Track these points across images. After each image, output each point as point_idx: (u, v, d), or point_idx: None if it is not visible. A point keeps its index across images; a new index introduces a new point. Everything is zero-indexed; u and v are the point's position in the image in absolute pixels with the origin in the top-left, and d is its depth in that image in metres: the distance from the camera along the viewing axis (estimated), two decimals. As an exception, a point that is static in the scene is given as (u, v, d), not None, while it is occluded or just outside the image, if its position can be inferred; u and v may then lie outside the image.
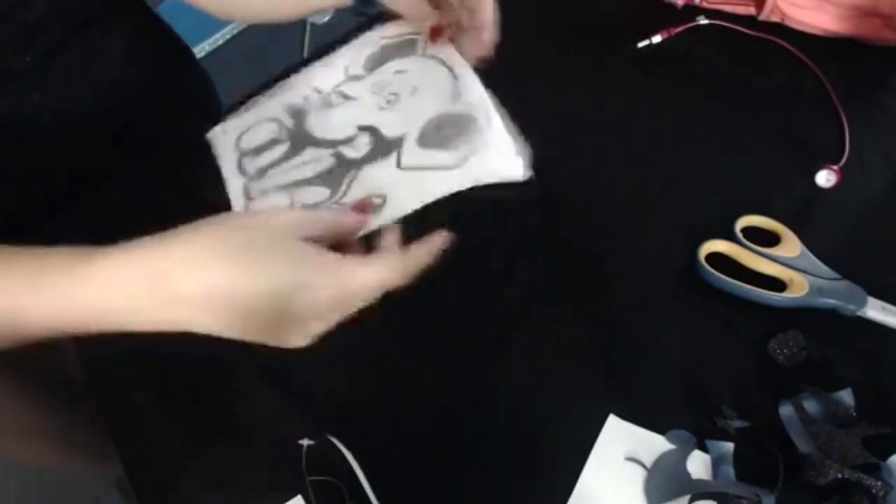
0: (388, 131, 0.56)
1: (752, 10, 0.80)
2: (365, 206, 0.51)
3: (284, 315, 0.42)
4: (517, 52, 0.79)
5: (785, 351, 0.53)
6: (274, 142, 0.58)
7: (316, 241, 0.44)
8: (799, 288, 0.56)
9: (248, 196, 0.56)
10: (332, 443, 0.48)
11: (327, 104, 0.59)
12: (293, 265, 0.42)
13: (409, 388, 0.54)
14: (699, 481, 0.48)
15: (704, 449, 0.49)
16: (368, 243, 0.48)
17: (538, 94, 0.74)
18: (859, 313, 0.55)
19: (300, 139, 0.58)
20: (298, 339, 0.43)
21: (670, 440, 0.49)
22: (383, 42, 0.61)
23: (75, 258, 0.41)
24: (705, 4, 0.81)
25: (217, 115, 0.65)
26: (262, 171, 0.57)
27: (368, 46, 0.62)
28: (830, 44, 0.77)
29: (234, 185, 0.57)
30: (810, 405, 0.50)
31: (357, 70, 0.61)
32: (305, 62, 0.64)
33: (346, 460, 0.47)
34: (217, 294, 0.41)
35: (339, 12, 0.63)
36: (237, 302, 0.41)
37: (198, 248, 0.41)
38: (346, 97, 0.59)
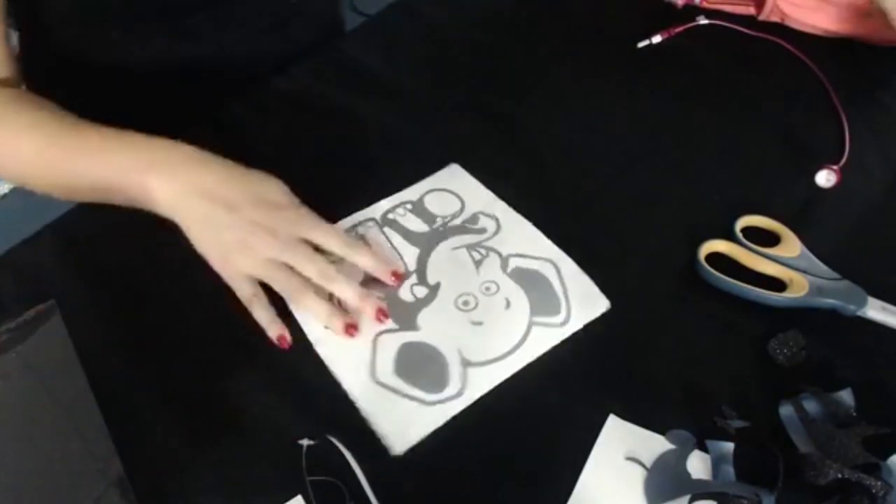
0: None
1: (752, 10, 0.80)
2: (398, 275, 0.57)
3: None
4: (517, 53, 0.79)
5: (785, 351, 0.53)
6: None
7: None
8: (799, 288, 0.56)
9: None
10: (332, 443, 0.48)
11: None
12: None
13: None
14: (699, 481, 0.48)
15: (704, 449, 0.49)
16: None
17: (538, 94, 0.74)
18: (859, 313, 0.55)
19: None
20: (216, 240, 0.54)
21: (670, 440, 0.49)
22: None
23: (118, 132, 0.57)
24: (705, 4, 0.81)
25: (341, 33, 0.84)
26: None
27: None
28: (830, 44, 0.78)
29: None
30: (810, 405, 0.50)
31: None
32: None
33: (346, 460, 0.47)
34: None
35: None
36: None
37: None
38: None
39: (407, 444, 0.49)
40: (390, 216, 0.62)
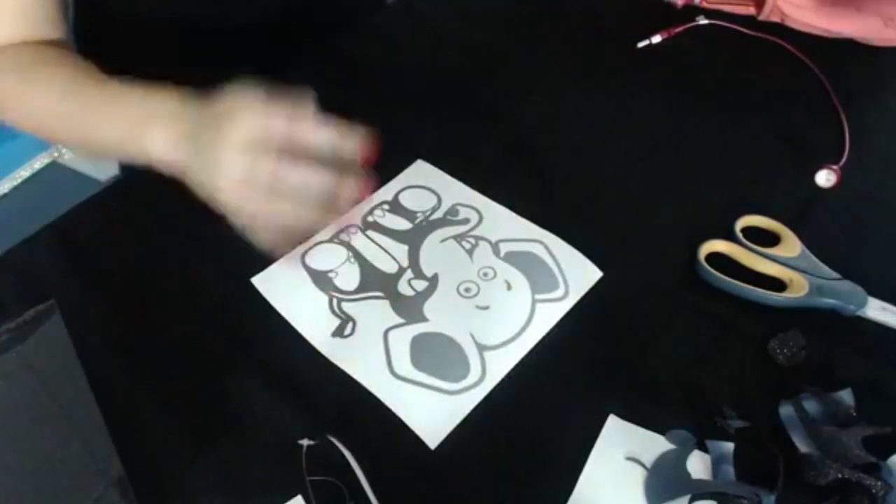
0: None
1: (752, 10, 0.80)
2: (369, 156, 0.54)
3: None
4: (518, 53, 0.79)
5: (785, 351, 0.53)
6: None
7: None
8: (799, 288, 0.56)
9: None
10: (332, 443, 0.48)
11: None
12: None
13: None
14: (699, 481, 0.48)
15: (704, 449, 0.49)
16: None
17: (538, 94, 0.74)
18: (859, 313, 0.55)
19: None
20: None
21: (670, 440, 0.49)
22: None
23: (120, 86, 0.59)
24: (705, 4, 0.81)
25: None
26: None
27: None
28: (830, 44, 0.77)
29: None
30: (810, 405, 0.50)
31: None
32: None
33: (346, 460, 0.47)
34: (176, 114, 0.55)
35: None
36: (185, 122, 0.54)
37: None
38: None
39: (439, 438, 0.50)
40: (370, 219, 0.62)
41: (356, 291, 0.57)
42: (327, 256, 0.60)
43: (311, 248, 0.60)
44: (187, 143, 0.53)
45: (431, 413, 0.51)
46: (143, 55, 0.80)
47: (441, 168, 0.66)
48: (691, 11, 0.81)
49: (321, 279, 0.58)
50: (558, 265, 0.58)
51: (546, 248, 0.60)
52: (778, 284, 0.57)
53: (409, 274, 0.58)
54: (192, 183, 0.53)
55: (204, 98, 0.54)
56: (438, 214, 0.62)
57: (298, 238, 0.56)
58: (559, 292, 0.57)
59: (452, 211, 0.63)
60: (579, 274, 0.58)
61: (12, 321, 0.55)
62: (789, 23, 0.79)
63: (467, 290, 0.57)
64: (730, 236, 0.60)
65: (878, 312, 0.55)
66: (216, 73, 0.57)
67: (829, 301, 0.55)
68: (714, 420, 0.50)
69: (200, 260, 0.60)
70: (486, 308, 0.56)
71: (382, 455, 0.49)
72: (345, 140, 0.52)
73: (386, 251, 0.60)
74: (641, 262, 0.59)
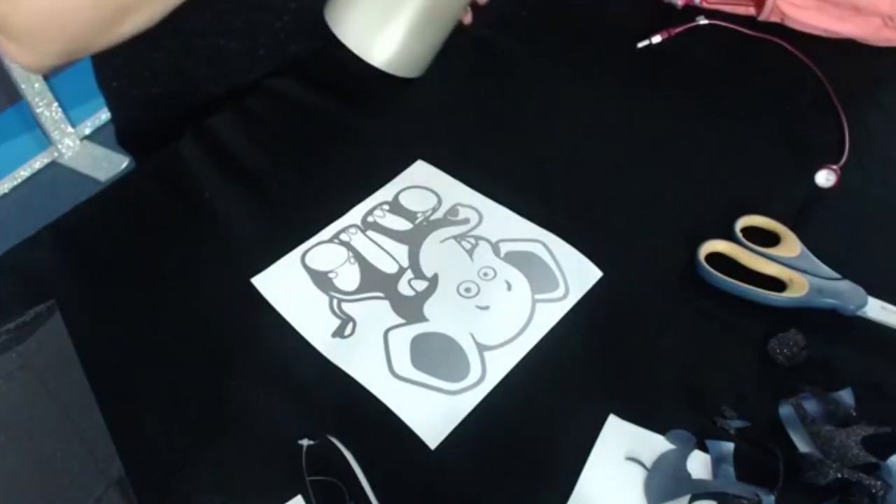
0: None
1: (752, 10, 0.80)
2: None
3: None
4: (518, 53, 0.79)
5: (785, 351, 0.53)
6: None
7: None
8: (799, 288, 0.56)
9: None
10: (332, 443, 0.48)
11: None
12: None
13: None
14: (699, 481, 0.48)
15: (704, 449, 0.49)
16: None
17: (538, 93, 0.74)
18: (859, 313, 0.55)
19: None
20: None
21: (670, 440, 0.49)
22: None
23: None
24: (705, 4, 0.81)
25: None
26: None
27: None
28: (830, 44, 0.77)
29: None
30: (810, 405, 0.50)
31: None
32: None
33: (346, 460, 0.47)
34: None
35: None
36: None
37: None
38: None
39: (440, 437, 0.50)
40: (370, 219, 0.62)
41: (356, 292, 0.58)
42: (327, 257, 0.60)
43: (311, 249, 0.60)
44: None
45: (431, 413, 0.51)
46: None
47: (441, 168, 0.66)
48: (691, 11, 0.81)
49: (321, 279, 0.58)
50: (558, 265, 0.58)
51: (546, 248, 0.60)
52: (778, 284, 0.57)
53: (409, 274, 0.58)
54: None
55: None
56: (438, 214, 0.62)
57: None
58: (559, 292, 0.57)
59: (452, 211, 0.63)
60: (579, 274, 0.58)
61: (12, 321, 0.55)
62: (789, 23, 0.79)
63: (467, 290, 0.57)
64: (730, 236, 0.60)
65: (878, 312, 0.55)
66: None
67: (829, 301, 0.55)
68: (714, 420, 0.50)
69: (200, 260, 0.60)
70: (486, 308, 0.56)
71: (382, 455, 0.49)
72: None
73: (386, 251, 0.60)
74: (641, 262, 0.59)
